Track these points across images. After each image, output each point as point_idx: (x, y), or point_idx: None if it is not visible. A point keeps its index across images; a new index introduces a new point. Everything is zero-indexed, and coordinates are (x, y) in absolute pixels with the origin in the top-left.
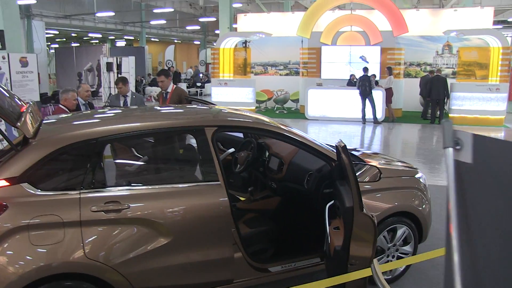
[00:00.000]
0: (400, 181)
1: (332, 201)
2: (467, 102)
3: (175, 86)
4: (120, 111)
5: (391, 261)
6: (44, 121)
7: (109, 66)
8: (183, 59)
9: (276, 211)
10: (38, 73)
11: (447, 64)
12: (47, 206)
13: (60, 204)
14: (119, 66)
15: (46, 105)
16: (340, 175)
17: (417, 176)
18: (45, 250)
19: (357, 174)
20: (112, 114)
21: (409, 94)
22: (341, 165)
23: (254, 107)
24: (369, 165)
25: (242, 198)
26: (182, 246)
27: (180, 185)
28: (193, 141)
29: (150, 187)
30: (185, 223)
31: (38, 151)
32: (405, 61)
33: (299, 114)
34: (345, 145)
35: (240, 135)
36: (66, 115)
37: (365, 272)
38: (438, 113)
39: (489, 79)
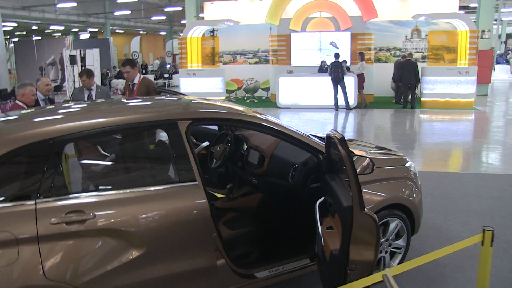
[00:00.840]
0: (391, 171)
1: (323, 198)
2: (438, 86)
3: (142, 76)
4: (81, 105)
5: (383, 257)
6: None
7: (72, 59)
8: (150, 50)
9: (258, 209)
10: None
11: (416, 49)
12: None
13: (12, 217)
14: (83, 59)
15: (6, 102)
16: (329, 169)
17: (406, 165)
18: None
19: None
20: (73, 110)
21: (380, 79)
22: (331, 157)
23: (224, 97)
24: (360, 156)
25: (219, 195)
26: (158, 257)
27: (152, 188)
28: (164, 137)
29: (118, 191)
30: (159, 231)
31: None
32: (375, 46)
33: (270, 102)
34: (342, 137)
35: (214, 127)
36: (19, 112)
37: (371, 280)
38: (410, 97)
39: (458, 63)
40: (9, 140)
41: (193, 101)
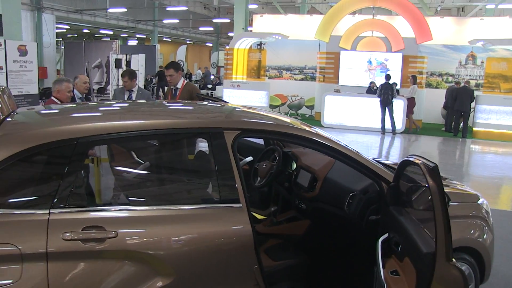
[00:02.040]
0: (462, 208)
1: (386, 235)
2: (493, 116)
3: (185, 81)
4: (117, 104)
5: None
6: (15, 112)
7: (118, 63)
8: (195, 60)
9: (304, 238)
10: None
11: (470, 76)
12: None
13: (18, 228)
14: (128, 63)
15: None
16: (396, 201)
17: (479, 201)
18: None
19: (415, 196)
20: (105, 108)
21: (430, 105)
22: (399, 188)
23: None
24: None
25: (260, 217)
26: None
27: (188, 207)
28: (205, 148)
29: (147, 208)
30: (191, 258)
31: None
32: (427, 70)
33: (314, 121)
34: (435, 165)
35: (260, 140)
36: (44, 107)
37: None
38: (462, 126)
39: None
40: (25, 137)
41: (239, 109)
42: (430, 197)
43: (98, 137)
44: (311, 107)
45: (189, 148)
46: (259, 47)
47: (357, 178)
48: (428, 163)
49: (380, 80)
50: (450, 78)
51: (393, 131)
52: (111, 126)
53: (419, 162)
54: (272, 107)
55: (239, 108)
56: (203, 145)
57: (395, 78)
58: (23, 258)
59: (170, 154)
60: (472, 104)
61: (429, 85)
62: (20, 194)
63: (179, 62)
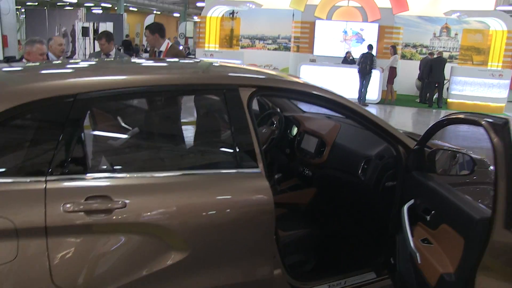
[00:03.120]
0: (485, 174)
1: (412, 201)
2: (468, 88)
3: (170, 44)
4: (111, 60)
5: None
6: None
7: (85, 31)
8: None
9: (310, 207)
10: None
11: (444, 47)
12: None
13: (11, 199)
14: (96, 32)
15: None
16: (420, 166)
17: (490, 168)
18: None
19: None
20: (100, 63)
21: (404, 76)
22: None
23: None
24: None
25: None
26: (203, 264)
27: (203, 172)
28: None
29: (157, 174)
30: (208, 230)
31: None
32: (402, 42)
33: None
34: (506, 121)
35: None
36: (28, 63)
37: None
38: (436, 96)
39: (489, 64)
40: (14, 93)
41: (246, 67)
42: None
43: (100, 93)
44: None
45: (200, 108)
46: (231, 15)
47: (367, 143)
48: (496, 120)
49: (356, 50)
50: (424, 50)
51: (362, 102)
52: (115, 81)
53: (477, 119)
54: None
55: (244, 66)
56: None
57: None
58: (19, 233)
59: (183, 114)
60: (447, 76)
61: (403, 57)
62: (10, 160)
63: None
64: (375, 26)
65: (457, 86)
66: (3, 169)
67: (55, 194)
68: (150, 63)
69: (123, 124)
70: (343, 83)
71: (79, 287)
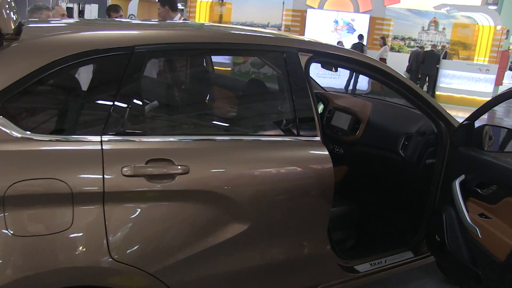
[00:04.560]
0: None
1: (463, 176)
2: (456, 81)
3: (182, 17)
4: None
5: None
6: (28, 24)
7: (69, 12)
8: (145, 16)
9: (342, 185)
10: None
11: (431, 41)
12: (41, 162)
13: (66, 159)
14: (81, 13)
15: None
16: (468, 142)
17: None
18: (36, 247)
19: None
20: (153, 22)
21: (392, 65)
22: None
23: (230, 69)
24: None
25: None
26: (263, 238)
27: (265, 138)
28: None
29: (221, 138)
30: (269, 200)
31: (25, 60)
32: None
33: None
34: None
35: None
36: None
37: None
38: (426, 89)
39: (475, 59)
40: (65, 42)
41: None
42: None
43: (160, 46)
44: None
45: (261, 71)
46: (222, 0)
47: (403, 120)
48: None
49: (346, 41)
50: (412, 43)
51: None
52: (177, 35)
53: None
54: (235, 64)
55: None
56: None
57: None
58: (74, 199)
59: (244, 76)
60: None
61: (391, 49)
62: (63, 116)
63: (130, 16)
64: (366, 17)
65: (445, 79)
66: (56, 127)
67: (113, 156)
68: (208, 24)
69: (183, 84)
70: (334, 73)
71: (136, 262)
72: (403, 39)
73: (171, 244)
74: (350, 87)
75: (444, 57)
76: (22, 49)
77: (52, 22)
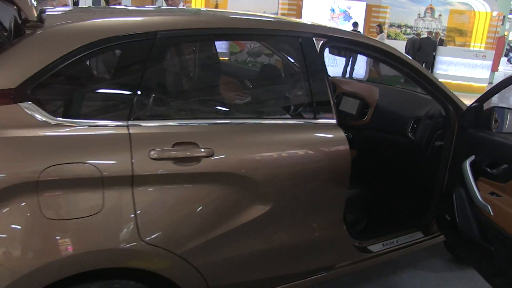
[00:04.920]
0: None
1: (473, 157)
2: (452, 68)
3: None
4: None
5: None
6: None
7: None
8: (137, 4)
9: (353, 168)
10: None
11: (427, 28)
12: (72, 147)
13: (96, 143)
14: (75, 4)
15: None
16: (477, 123)
17: None
18: (68, 230)
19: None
20: (171, 9)
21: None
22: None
23: (227, 58)
24: None
25: None
26: (284, 219)
27: (285, 122)
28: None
29: (242, 121)
30: (290, 182)
31: (52, 46)
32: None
33: None
34: None
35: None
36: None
37: None
38: None
39: (471, 45)
40: (89, 29)
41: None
42: None
43: (181, 32)
44: (271, 55)
45: (275, 57)
46: None
47: (410, 104)
48: None
49: (343, 28)
50: (408, 30)
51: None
52: (196, 21)
53: None
54: (231, 53)
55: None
56: None
57: (359, 28)
58: (104, 182)
59: (262, 60)
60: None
61: (388, 37)
62: (89, 102)
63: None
64: (363, 4)
65: (442, 66)
66: (83, 113)
67: (140, 140)
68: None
69: (205, 68)
70: (330, 61)
71: (164, 243)
72: (399, 26)
73: (197, 226)
74: (347, 75)
75: (440, 44)
76: (48, 36)
77: (73, 9)
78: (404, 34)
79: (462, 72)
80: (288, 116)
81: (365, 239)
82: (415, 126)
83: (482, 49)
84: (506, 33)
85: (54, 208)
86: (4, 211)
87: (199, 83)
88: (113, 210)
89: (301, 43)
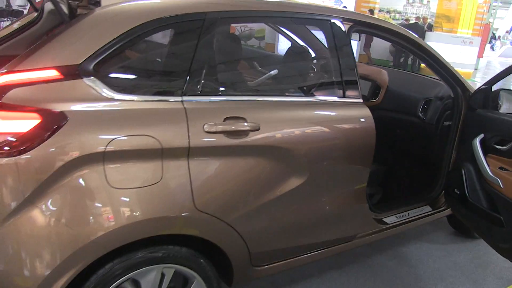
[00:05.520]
0: None
1: (482, 135)
2: (440, 53)
3: None
4: None
5: None
6: None
7: None
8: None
9: None
10: None
11: (416, 14)
12: (134, 120)
13: (157, 117)
14: None
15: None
16: (485, 104)
17: None
18: (132, 199)
19: None
20: None
21: (377, 41)
22: (490, 93)
23: None
24: None
25: None
26: (316, 190)
27: (321, 99)
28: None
29: (284, 99)
30: (325, 156)
31: (112, 25)
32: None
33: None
34: None
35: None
36: None
37: None
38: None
39: (458, 31)
40: (145, 8)
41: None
42: None
43: (230, 13)
44: (261, 38)
45: (311, 38)
46: None
47: (419, 86)
48: None
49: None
50: (397, 16)
51: None
52: (242, 3)
53: None
54: None
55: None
56: None
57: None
58: (164, 154)
59: (302, 42)
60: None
61: None
62: (147, 78)
63: None
64: None
65: None
66: (142, 86)
67: (195, 114)
68: None
69: (251, 49)
70: None
71: (215, 212)
72: (388, 11)
73: (243, 196)
74: None
75: (429, 29)
76: (108, 15)
77: None
78: (393, 19)
79: (450, 57)
80: (321, 94)
81: (381, 211)
82: (425, 106)
83: (470, 36)
84: (491, 20)
85: (119, 177)
86: (75, 180)
87: (245, 62)
88: (171, 180)
89: (331, 25)
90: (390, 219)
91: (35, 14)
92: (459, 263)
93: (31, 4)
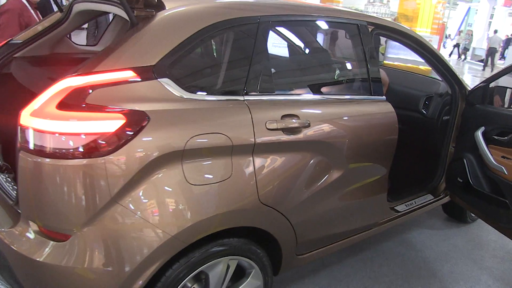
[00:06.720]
0: None
1: (483, 128)
2: (402, 51)
3: None
4: None
5: None
6: None
7: None
8: None
9: None
10: None
11: (377, 13)
12: (207, 119)
13: (225, 116)
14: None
15: None
16: (483, 100)
17: None
18: (206, 194)
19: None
20: None
21: (339, 41)
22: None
23: None
24: None
25: None
26: (353, 181)
27: (359, 97)
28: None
29: (327, 97)
30: (361, 149)
31: (181, 27)
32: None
33: None
34: None
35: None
36: None
37: None
38: None
39: (417, 30)
40: (212, 10)
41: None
42: None
43: (281, 17)
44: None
45: (343, 41)
46: None
47: (419, 84)
48: None
49: None
50: None
51: None
52: (295, 7)
53: None
54: None
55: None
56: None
57: None
58: (233, 150)
59: (340, 46)
60: (382, 41)
61: None
62: (213, 79)
63: None
64: None
65: (392, 50)
66: (210, 86)
67: (257, 112)
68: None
69: (302, 52)
70: None
71: (276, 204)
72: None
73: (296, 188)
74: None
75: None
76: (177, 17)
77: None
78: None
79: (412, 55)
80: (354, 93)
81: (393, 200)
82: (426, 103)
83: (429, 34)
84: (445, 20)
85: (195, 174)
86: (156, 178)
87: (297, 64)
88: (239, 175)
89: (359, 29)
90: (400, 207)
91: (59, 14)
92: (458, 246)
93: (56, 4)
